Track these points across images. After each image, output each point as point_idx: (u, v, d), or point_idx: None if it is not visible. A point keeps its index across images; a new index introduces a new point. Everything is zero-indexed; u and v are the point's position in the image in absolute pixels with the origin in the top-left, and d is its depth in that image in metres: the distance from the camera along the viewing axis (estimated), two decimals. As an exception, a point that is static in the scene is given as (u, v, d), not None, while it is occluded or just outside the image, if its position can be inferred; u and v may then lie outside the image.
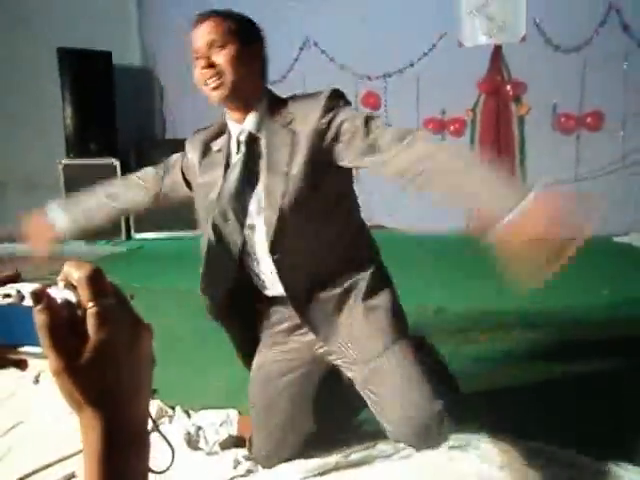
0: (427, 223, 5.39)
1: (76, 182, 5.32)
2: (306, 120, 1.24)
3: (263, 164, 1.29)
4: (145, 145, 5.85)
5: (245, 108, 1.32)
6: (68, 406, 0.46)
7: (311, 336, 1.37)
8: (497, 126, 5.22)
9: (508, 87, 5.11)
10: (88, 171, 5.39)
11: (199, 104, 6.41)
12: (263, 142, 1.30)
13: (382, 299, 1.38)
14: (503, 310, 2.76)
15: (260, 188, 1.29)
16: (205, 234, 1.40)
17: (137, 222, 5.55)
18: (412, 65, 5.45)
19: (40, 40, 5.36)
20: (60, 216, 1.54)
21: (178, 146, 6.02)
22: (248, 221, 1.33)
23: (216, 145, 1.39)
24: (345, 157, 1.22)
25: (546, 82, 4.95)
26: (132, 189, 1.59)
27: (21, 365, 0.50)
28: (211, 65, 1.25)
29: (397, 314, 1.40)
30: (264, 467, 1.45)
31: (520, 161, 5.28)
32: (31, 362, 0.49)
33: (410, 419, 1.21)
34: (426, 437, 1.23)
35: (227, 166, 1.35)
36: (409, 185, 1.15)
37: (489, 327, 2.51)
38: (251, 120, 1.32)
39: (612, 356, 2.16)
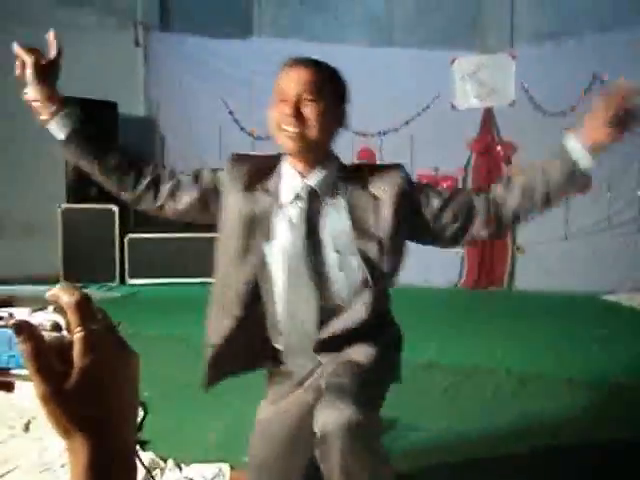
0: (421, 277, 5.47)
1: (74, 227, 5.45)
2: (387, 186, 1.27)
3: (329, 222, 1.27)
4: (144, 192, 5.96)
5: (312, 163, 1.29)
6: (57, 436, 0.46)
7: (308, 396, 1.30)
8: (488, 186, 5.38)
9: (499, 147, 5.32)
10: (87, 216, 5.48)
11: (197, 154, 6.61)
12: (335, 200, 1.29)
13: (381, 367, 1.31)
14: (492, 367, 2.79)
15: (328, 246, 1.26)
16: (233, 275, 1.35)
17: (132, 267, 5.59)
18: (407, 124, 5.67)
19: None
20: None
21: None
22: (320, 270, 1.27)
23: (265, 186, 1.31)
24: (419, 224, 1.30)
25: (535, 144, 5.15)
26: (134, 169, 1.42)
27: (9, 388, 0.50)
28: (297, 113, 1.21)
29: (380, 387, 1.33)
30: None
31: (510, 219, 5.41)
32: (21, 410, 0.51)
33: None
34: None
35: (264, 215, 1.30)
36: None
37: (479, 383, 2.54)
38: (317, 176, 1.28)
39: (600, 415, 2.20)
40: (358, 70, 5.79)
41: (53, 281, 5.33)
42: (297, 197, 1.28)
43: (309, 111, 1.22)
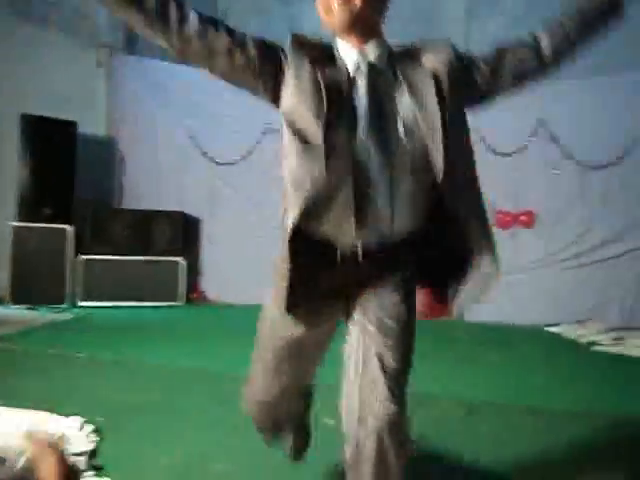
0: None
1: (25, 246, 5.30)
2: (439, 60, 1.25)
3: (393, 90, 1.23)
4: (101, 213, 5.88)
5: (365, 36, 1.25)
6: None
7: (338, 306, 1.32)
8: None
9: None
10: (39, 236, 5.34)
11: (156, 175, 6.59)
12: (391, 71, 1.25)
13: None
14: (439, 394, 2.90)
15: (393, 113, 1.21)
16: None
17: (84, 289, 5.47)
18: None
19: (5, 105, 5.45)
20: None
21: (134, 216, 6.10)
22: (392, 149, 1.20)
23: (330, 62, 1.25)
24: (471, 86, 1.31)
25: (485, 182, 5.40)
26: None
27: None
28: None
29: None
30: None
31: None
32: None
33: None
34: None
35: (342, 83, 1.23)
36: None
37: (429, 410, 2.64)
38: (375, 49, 1.25)
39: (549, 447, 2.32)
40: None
41: (-1, 302, 5.15)
42: (357, 69, 1.23)
43: None
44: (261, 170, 6.13)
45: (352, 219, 1.18)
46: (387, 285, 1.31)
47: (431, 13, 6.89)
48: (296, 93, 1.20)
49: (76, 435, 2.10)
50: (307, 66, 1.21)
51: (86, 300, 5.45)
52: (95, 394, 2.73)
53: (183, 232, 5.97)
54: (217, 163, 6.22)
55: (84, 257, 5.52)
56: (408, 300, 1.35)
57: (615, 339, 4.39)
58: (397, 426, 1.20)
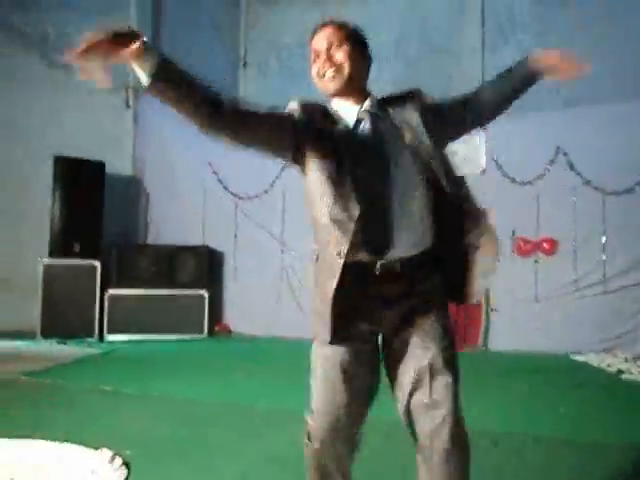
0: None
1: (55, 282, 5.48)
2: (416, 103, 1.50)
3: (393, 129, 1.45)
4: (127, 248, 6.06)
5: (357, 96, 1.48)
6: None
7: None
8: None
9: (471, 212, 5.59)
10: (68, 271, 5.52)
11: (180, 212, 6.77)
12: (387, 117, 1.47)
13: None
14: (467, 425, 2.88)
15: (396, 147, 1.43)
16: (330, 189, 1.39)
17: (111, 323, 5.60)
18: (384, 188, 5.94)
19: (38, 147, 5.73)
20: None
21: (158, 251, 6.28)
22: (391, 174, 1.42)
23: (332, 121, 1.46)
24: (443, 122, 1.53)
25: (505, 210, 5.44)
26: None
27: None
28: (330, 61, 1.45)
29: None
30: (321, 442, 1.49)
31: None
32: None
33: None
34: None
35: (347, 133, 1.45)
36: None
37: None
38: (369, 103, 1.47)
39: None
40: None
41: (30, 337, 5.30)
42: (360, 120, 1.45)
43: (340, 55, 1.46)
44: (281, 204, 6.26)
45: (385, 241, 1.36)
46: (421, 310, 1.42)
47: (449, 45, 7.05)
48: (316, 149, 1.41)
49: (106, 468, 2.16)
50: (318, 124, 1.43)
51: (113, 334, 5.58)
52: (123, 427, 2.79)
53: (207, 266, 6.10)
54: (240, 198, 6.37)
55: (111, 291, 5.66)
56: (442, 318, 1.45)
57: (644, 367, 4.30)
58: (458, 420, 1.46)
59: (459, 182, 1.49)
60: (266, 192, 6.31)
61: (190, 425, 2.89)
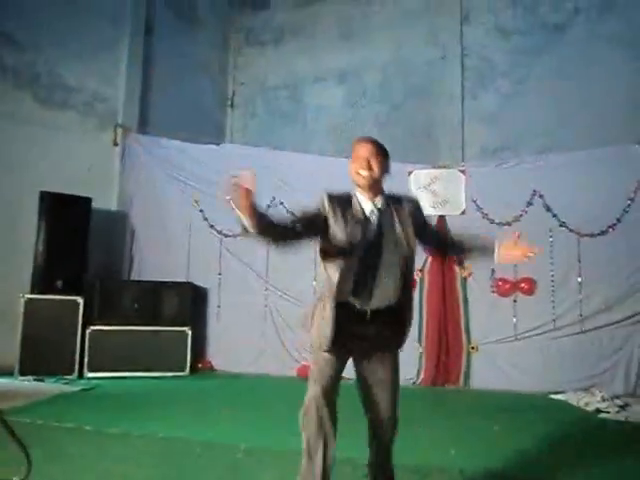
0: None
1: (36, 317, 5.43)
2: (411, 204, 2.33)
3: (390, 222, 2.24)
4: (111, 284, 6.04)
5: (374, 193, 2.26)
6: None
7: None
8: (443, 286, 5.75)
9: (451, 252, 5.72)
10: (50, 307, 5.48)
11: (166, 247, 6.78)
12: (389, 212, 2.26)
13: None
14: (445, 466, 2.91)
15: (390, 235, 2.23)
16: (343, 260, 2.18)
17: (91, 360, 5.53)
18: (367, 227, 6.07)
19: (25, 183, 5.78)
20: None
21: (142, 287, 6.25)
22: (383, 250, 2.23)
23: (353, 207, 2.25)
24: (420, 228, 2.32)
25: (484, 250, 5.59)
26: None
27: None
28: (367, 165, 2.22)
29: None
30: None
31: (465, 321, 5.72)
32: None
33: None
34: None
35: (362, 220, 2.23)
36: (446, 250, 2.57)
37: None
38: (380, 201, 2.27)
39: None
40: (322, 176, 6.27)
41: (8, 373, 5.21)
42: (371, 212, 2.24)
43: (373, 164, 2.24)
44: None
45: (368, 294, 2.20)
46: (385, 351, 2.31)
47: (430, 90, 7.33)
48: (338, 229, 2.19)
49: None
50: (339, 211, 2.21)
51: (94, 371, 5.51)
52: (104, 468, 2.76)
53: (191, 302, 6.10)
54: (225, 235, 6.44)
55: (93, 328, 5.62)
56: (396, 365, 2.36)
57: (620, 407, 4.38)
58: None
59: (409, 273, 2.34)
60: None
61: (172, 464, 2.88)
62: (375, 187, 2.24)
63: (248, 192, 1.99)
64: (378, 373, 2.28)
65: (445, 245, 2.50)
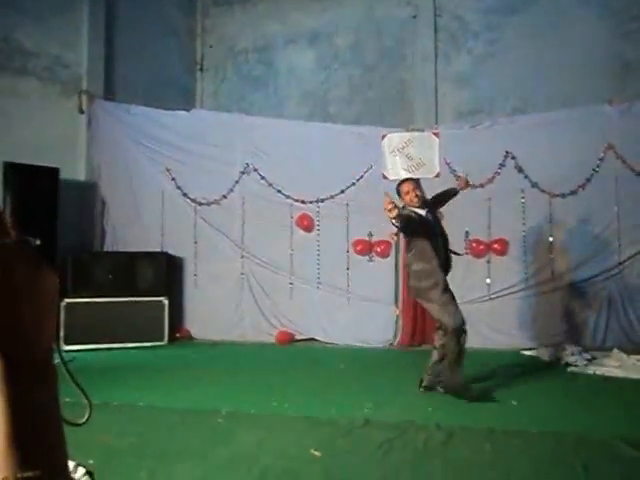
0: (359, 337, 5.73)
1: (7, 292, 5.29)
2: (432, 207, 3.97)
3: (435, 219, 3.90)
4: (83, 256, 5.94)
5: (422, 205, 3.81)
6: None
7: None
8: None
9: (426, 215, 5.77)
10: (22, 281, 5.36)
11: (139, 217, 6.64)
12: (432, 215, 3.88)
13: None
14: (425, 423, 3.00)
15: (437, 225, 3.88)
16: (429, 244, 3.71)
17: (67, 333, 5.48)
18: (342, 192, 6.06)
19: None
20: None
21: (116, 258, 6.15)
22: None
23: (419, 215, 3.78)
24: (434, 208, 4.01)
25: (459, 212, 5.64)
26: None
27: None
28: (415, 194, 3.78)
29: None
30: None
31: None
32: None
33: None
34: None
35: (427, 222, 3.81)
36: None
37: (412, 438, 2.74)
38: (426, 208, 3.83)
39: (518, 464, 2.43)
40: (296, 142, 6.22)
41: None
42: (431, 217, 3.85)
43: (418, 192, 3.82)
44: (241, 209, 6.28)
45: (441, 258, 3.75)
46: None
47: (403, 53, 7.24)
48: (421, 228, 3.74)
49: (68, 478, 2.15)
50: (416, 217, 3.76)
51: (70, 344, 5.46)
52: (85, 437, 2.76)
53: (167, 272, 6.05)
54: (199, 203, 6.35)
55: (67, 301, 5.54)
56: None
57: (588, 360, 4.55)
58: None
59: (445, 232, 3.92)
60: (225, 197, 6.31)
61: (153, 432, 2.90)
62: (422, 204, 3.79)
63: (393, 202, 3.43)
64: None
65: (447, 196, 4.06)
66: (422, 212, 3.75)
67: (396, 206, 3.41)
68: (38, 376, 0.47)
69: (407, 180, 3.91)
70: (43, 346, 0.48)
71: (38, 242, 0.52)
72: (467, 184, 4.09)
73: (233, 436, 2.82)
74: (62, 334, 5.46)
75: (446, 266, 3.77)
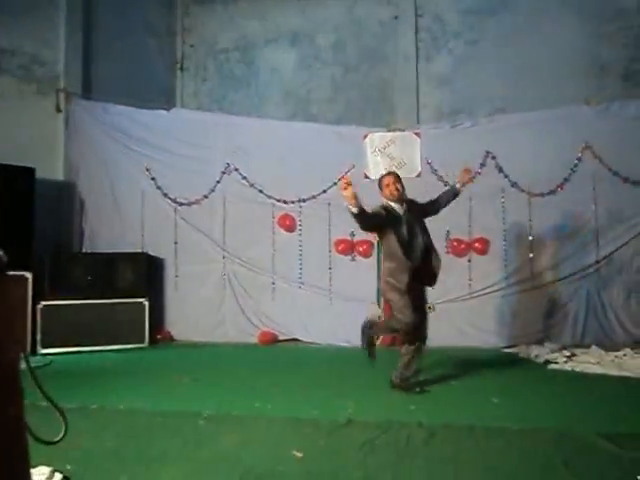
0: (342, 337, 5.72)
1: (-18, 294, 5.17)
2: (417, 204, 3.92)
3: (413, 218, 3.77)
4: (61, 257, 5.83)
5: (400, 202, 3.77)
6: None
7: None
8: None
9: (408, 214, 5.79)
10: (-3, 283, 5.24)
11: (118, 218, 6.55)
12: (407, 213, 3.77)
13: None
14: (407, 422, 3.00)
15: (417, 226, 3.76)
16: (396, 241, 3.66)
17: (44, 336, 5.37)
18: (324, 192, 6.05)
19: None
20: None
21: (95, 259, 6.05)
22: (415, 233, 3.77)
23: (392, 211, 3.75)
24: (423, 211, 3.94)
25: (441, 212, 5.67)
26: None
27: None
28: (395, 188, 3.76)
29: None
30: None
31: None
32: None
33: None
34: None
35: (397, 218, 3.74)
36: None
37: (394, 437, 2.73)
38: (405, 206, 3.77)
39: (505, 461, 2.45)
40: (278, 141, 6.19)
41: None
42: (404, 213, 3.75)
43: (398, 186, 3.79)
44: (222, 209, 6.23)
45: (413, 258, 3.67)
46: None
47: (385, 52, 7.25)
48: (389, 225, 3.71)
49: (45, 484, 2.10)
50: (384, 213, 3.71)
51: (48, 347, 5.36)
52: (62, 442, 2.70)
53: (147, 273, 5.97)
54: (179, 203, 6.29)
55: (44, 303, 5.44)
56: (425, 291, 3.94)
57: (568, 357, 4.60)
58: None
59: (429, 236, 3.83)
60: (206, 197, 6.26)
61: (133, 436, 2.85)
62: (400, 199, 3.76)
63: (349, 183, 3.41)
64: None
65: (445, 201, 4.03)
66: (396, 207, 3.70)
67: (355, 194, 3.34)
68: (2, 389, 0.43)
69: (390, 173, 3.88)
70: (7, 360, 0.44)
71: (5, 259, 0.51)
72: (469, 176, 4.19)
73: (215, 438, 2.79)
74: (39, 337, 5.36)
75: (426, 268, 3.67)
